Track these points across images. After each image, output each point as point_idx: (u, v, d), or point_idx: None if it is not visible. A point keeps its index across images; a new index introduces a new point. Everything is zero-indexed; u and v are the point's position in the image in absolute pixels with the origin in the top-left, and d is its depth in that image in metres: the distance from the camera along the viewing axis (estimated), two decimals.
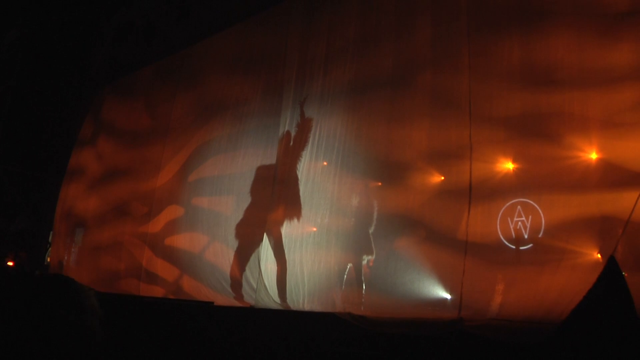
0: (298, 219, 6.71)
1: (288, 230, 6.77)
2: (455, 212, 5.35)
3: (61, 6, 11.77)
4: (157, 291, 8.61)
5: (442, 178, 5.65)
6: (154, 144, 9.84)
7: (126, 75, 11.35)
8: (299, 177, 6.83)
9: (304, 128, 6.97)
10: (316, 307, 6.16)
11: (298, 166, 6.88)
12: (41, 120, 12.98)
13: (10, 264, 12.19)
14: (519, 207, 5.03)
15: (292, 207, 6.79)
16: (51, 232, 11.90)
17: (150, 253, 9.06)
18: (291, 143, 7.11)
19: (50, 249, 11.82)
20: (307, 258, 6.43)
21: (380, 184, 6.23)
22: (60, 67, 12.67)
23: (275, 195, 6.99)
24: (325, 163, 6.58)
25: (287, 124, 7.23)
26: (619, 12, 4.91)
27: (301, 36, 7.57)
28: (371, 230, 6.03)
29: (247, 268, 7.20)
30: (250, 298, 6.94)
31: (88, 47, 12.71)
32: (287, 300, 6.46)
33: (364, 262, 6.02)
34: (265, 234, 6.94)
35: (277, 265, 6.71)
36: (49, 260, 11.72)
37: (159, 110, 10.15)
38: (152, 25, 11.06)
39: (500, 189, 5.18)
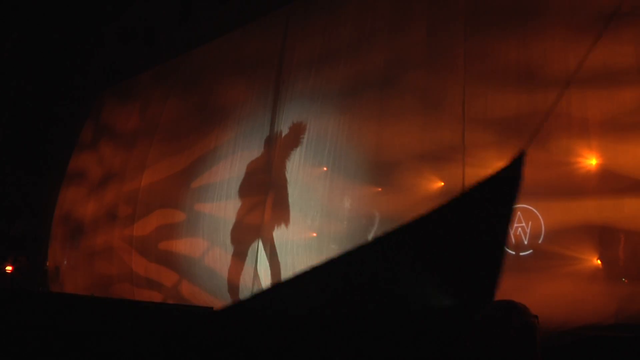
0: (286, 224, 6.70)
1: (279, 233, 6.76)
2: None
3: (62, 10, 11.78)
4: (153, 296, 8.58)
5: (442, 183, 5.62)
6: (141, 144, 9.87)
7: (126, 78, 11.39)
8: (288, 179, 6.83)
9: (295, 130, 6.96)
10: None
11: (287, 168, 6.88)
12: (42, 124, 12.98)
13: (9, 268, 12.15)
14: (518, 213, 5.01)
15: (280, 210, 6.79)
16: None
17: (139, 257, 9.02)
18: (281, 143, 7.13)
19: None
20: (298, 262, 6.41)
21: (373, 187, 6.20)
22: (60, 70, 12.68)
23: (269, 197, 6.99)
24: (325, 168, 6.56)
25: (282, 123, 7.23)
26: (619, 11, 4.87)
27: (298, 37, 7.59)
28: (365, 235, 5.99)
29: (243, 272, 7.18)
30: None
31: (89, 50, 12.73)
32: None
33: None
34: (260, 238, 6.94)
35: (271, 269, 6.71)
36: (48, 265, 11.70)
37: (149, 111, 10.18)
38: (152, 29, 11.10)
39: None
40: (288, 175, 6.84)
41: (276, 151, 7.20)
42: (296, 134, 6.89)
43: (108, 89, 11.93)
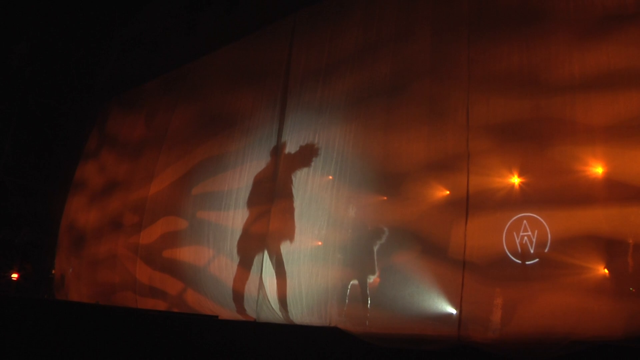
0: (291, 238, 6.70)
1: (286, 242, 6.76)
2: (456, 225, 5.28)
3: (69, 20, 11.90)
4: (157, 304, 8.57)
5: (447, 192, 5.59)
6: (149, 153, 9.90)
7: (131, 88, 11.45)
8: (295, 189, 6.83)
9: (307, 150, 6.94)
10: (315, 320, 6.12)
11: (294, 182, 6.88)
12: (49, 133, 13.07)
13: (15, 275, 12.19)
14: (524, 221, 4.97)
15: (288, 221, 6.80)
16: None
17: (144, 265, 9.02)
18: (288, 155, 7.13)
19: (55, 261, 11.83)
20: (304, 271, 6.41)
21: (379, 196, 6.19)
22: (67, 80, 12.77)
23: (275, 207, 6.99)
24: (330, 177, 6.56)
25: (289, 133, 7.25)
26: (624, 14, 4.80)
27: (304, 46, 7.61)
28: (371, 244, 5.99)
29: (248, 281, 7.16)
30: (252, 312, 6.92)
31: (95, 60, 12.83)
32: (288, 313, 6.44)
33: (369, 278, 5.97)
34: (266, 247, 6.94)
35: (277, 279, 6.70)
36: (53, 273, 11.73)
37: (156, 120, 10.21)
38: (158, 39, 11.18)
39: (504, 202, 5.09)
40: (295, 188, 6.85)
41: (282, 161, 7.20)
42: (307, 154, 6.88)
43: (114, 98, 12.00)
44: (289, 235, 6.77)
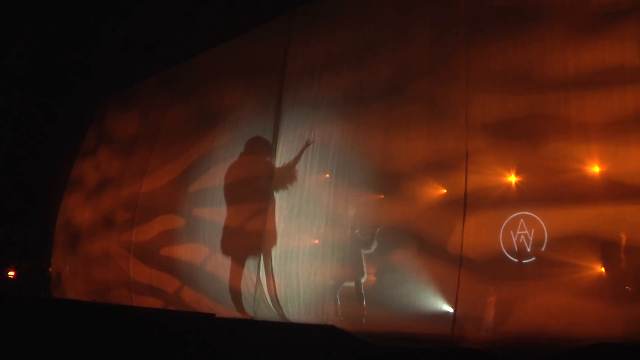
0: (288, 236, 6.71)
1: (284, 240, 6.76)
2: (454, 224, 5.28)
3: (66, 18, 11.87)
4: (152, 302, 8.56)
5: (444, 191, 5.60)
6: (141, 150, 9.88)
7: (129, 86, 11.45)
8: (292, 187, 6.83)
9: (303, 149, 6.94)
10: (312, 318, 6.13)
11: (290, 178, 6.88)
12: (46, 131, 13.04)
13: (11, 273, 12.17)
14: (521, 220, 4.98)
15: (283, 221, 6.82)
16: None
17: (138, 263, 9.01)
18: (284, 152, 7.13)
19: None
20: (302, 269, 6.41)
21: (377, 195, 6.19)
22: (64, 78, 12.74)
23: (271, 205, 6.99)
24: (327, 175, 6.55)
25: (285, 130, 7.24)
26: (619, 10, 4.79)
27: (301, 44, 7.59)
28: (368, 243, 6.01)
29: (245, 279, 7.16)
30: (250, 309, 6.92)
31: (92, 58, 12.80)
32: (284, 312, 6.45)
33: (364, 276, 5.99)
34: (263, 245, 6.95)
35: (273, 277, 6.71)
36: (50, 270, 11.72)
37: (150, 117, 10.19)
38: (154, 37, 11.16)
39: (501, 201, 5.08)
40: (292, 185, 6.84)
41: (279, 158, 7.19)
42: (303, 152, 6.88)
43: (111, 96, 11.99)
44: (285, 233, 6.77)
